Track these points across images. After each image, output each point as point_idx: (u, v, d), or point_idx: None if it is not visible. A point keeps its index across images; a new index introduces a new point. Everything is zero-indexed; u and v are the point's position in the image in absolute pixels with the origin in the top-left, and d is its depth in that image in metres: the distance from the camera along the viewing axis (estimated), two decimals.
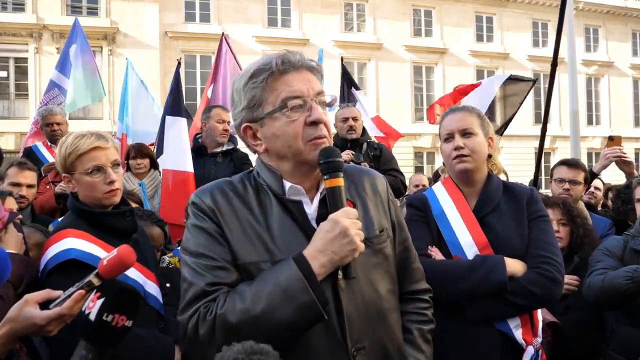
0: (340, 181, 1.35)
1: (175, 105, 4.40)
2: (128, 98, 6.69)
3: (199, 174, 4.14)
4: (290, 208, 1.39)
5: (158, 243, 2.75)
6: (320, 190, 1.44)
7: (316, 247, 1.30)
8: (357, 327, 1.37)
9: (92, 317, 1.21)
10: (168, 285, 2.79)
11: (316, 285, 1.27)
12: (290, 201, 1.40)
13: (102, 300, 1.22)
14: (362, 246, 1.31)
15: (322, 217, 1.37)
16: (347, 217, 1.31)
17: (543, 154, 4.55)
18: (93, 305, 1.22)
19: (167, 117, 4.27)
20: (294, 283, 1.26)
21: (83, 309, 1.24)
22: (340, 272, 1.34)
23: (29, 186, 3.49)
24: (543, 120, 4.36)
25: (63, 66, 6.52)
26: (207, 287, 1.31)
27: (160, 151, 4.43)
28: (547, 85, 4.48)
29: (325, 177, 1.36)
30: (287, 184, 1.41)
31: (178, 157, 4.12)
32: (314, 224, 1.39)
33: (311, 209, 1.42)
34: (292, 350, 1.30)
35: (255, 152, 1.48)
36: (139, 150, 4.72)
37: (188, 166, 4.08)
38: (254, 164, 1.52)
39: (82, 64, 6.43)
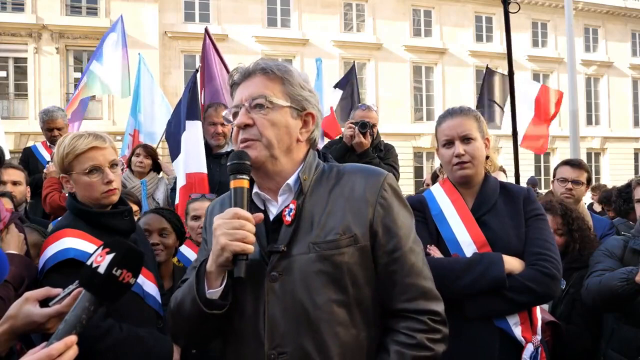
0: (243, 182, 1.35)
1: (194, 109, 4.47)
2: (141, 94, 6.70)
3: None
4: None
5: (153, 228, 2.85)
6: (279, 194, 1.45)
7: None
8: (280, 331, 1.32)
9: (102, 270, 1.26)
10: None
11: (199, 282, 1.35)
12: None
13: (112, 255, 1.27)
14: (234, 245, 1.26)
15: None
16: (222, 217, 1.30)
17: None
18: (102, 260, 1.27)
19: (188, 122, 4.36)
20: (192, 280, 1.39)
21: (89, 262, 1.28)
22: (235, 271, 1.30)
23: (14, 183, 3.46)
24: (512, 120, 4.31)
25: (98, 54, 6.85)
26: None
27: (175, 154, 4.46)
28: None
29: (230, 178, 1.37)
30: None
31: (195, 159, 4.20)
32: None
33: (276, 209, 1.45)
34: (227, 340, 1.44)
35: None
36: (146, 150, 4.80)
37: (203, 167, 4.16)
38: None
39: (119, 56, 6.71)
